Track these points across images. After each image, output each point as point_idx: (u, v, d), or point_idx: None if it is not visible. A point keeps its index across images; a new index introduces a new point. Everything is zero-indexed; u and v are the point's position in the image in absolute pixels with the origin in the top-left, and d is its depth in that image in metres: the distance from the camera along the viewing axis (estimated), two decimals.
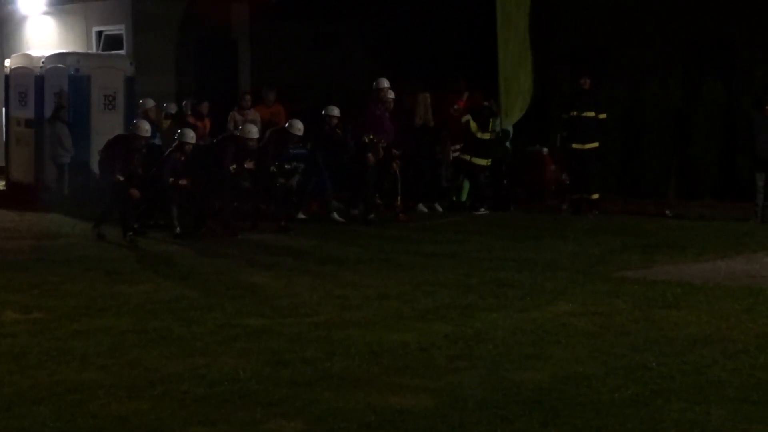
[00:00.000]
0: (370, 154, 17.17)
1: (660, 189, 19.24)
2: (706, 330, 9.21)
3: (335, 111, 17.44)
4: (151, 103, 18.40)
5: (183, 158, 15.76)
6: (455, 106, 19.21)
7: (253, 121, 18.14)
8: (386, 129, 17.39)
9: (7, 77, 21.42)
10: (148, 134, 15.90)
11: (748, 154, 17.11)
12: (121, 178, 15.25)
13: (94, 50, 22.54)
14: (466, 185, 18.76)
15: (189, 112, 18.80)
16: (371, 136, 17.20)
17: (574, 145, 17.95)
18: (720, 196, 19.11)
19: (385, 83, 17.51)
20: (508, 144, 18.84)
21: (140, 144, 15.66)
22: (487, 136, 18.39)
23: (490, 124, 18.41)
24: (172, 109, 18.76)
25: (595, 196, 17.99)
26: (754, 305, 10.20)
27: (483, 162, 18.51)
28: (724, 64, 20.75)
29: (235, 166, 15.85)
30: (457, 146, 19.03)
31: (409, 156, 18.15)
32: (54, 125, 19.60)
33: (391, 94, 17.57)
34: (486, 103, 18.62)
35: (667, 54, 21.40)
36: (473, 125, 18.37)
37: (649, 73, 20.73)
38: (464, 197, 18.84)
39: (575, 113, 17.91)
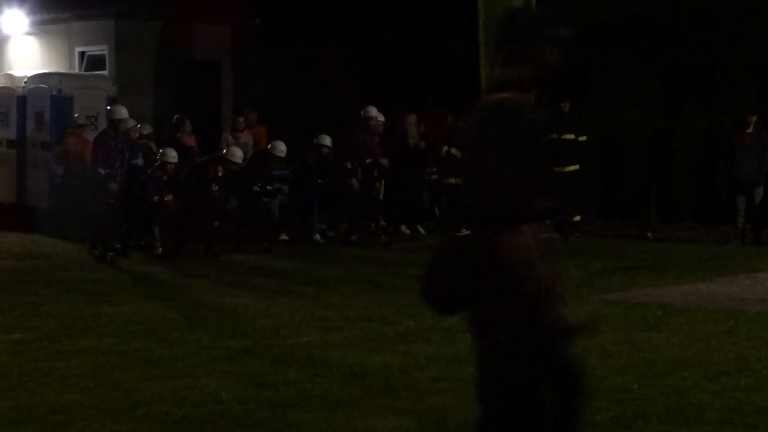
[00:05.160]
0: (354, 180, 17.21)
1: (641, 212, 19.29)
2: (687, 352, 9.22)
3: (327, 140, 17.36)
4: (131, 122, 18.34)
5: (166, 177, 15.78)
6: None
7: (245, 144, 18.13)
8: (372, 153, 17.41)
9: None
10: (126, 116, 16.45)
11: (729, 177, 17.18)
12: (103, 172, 15.41)
13: (76, 71, 22.50)
14: None
15: (187, 131, 18.73)
16: (354, 162, 17.24)
17: (555, 168, 17.97)
18: (700, 219, 19.17)
19: (373, 111, 17.50)
20: None
21: (118, 127, 16.17)
22: None
23: None
24: (145, 129, 18.67)
25: (577, 218, 18.04)
26: (735, 328, 10.23)
27: None
28: (703, 88, 20.87)
29: (216, 187, 15.85)
30: (434, 169, 19.05)
31: (401, 178, 18.11)
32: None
33: (381, 118, 17.59)
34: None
35: (648, 78, 21.53)
36: (453, 150, 18.46)
37: (629, 97, 20.83)
38: None
39: (555, 136, 17.94)
